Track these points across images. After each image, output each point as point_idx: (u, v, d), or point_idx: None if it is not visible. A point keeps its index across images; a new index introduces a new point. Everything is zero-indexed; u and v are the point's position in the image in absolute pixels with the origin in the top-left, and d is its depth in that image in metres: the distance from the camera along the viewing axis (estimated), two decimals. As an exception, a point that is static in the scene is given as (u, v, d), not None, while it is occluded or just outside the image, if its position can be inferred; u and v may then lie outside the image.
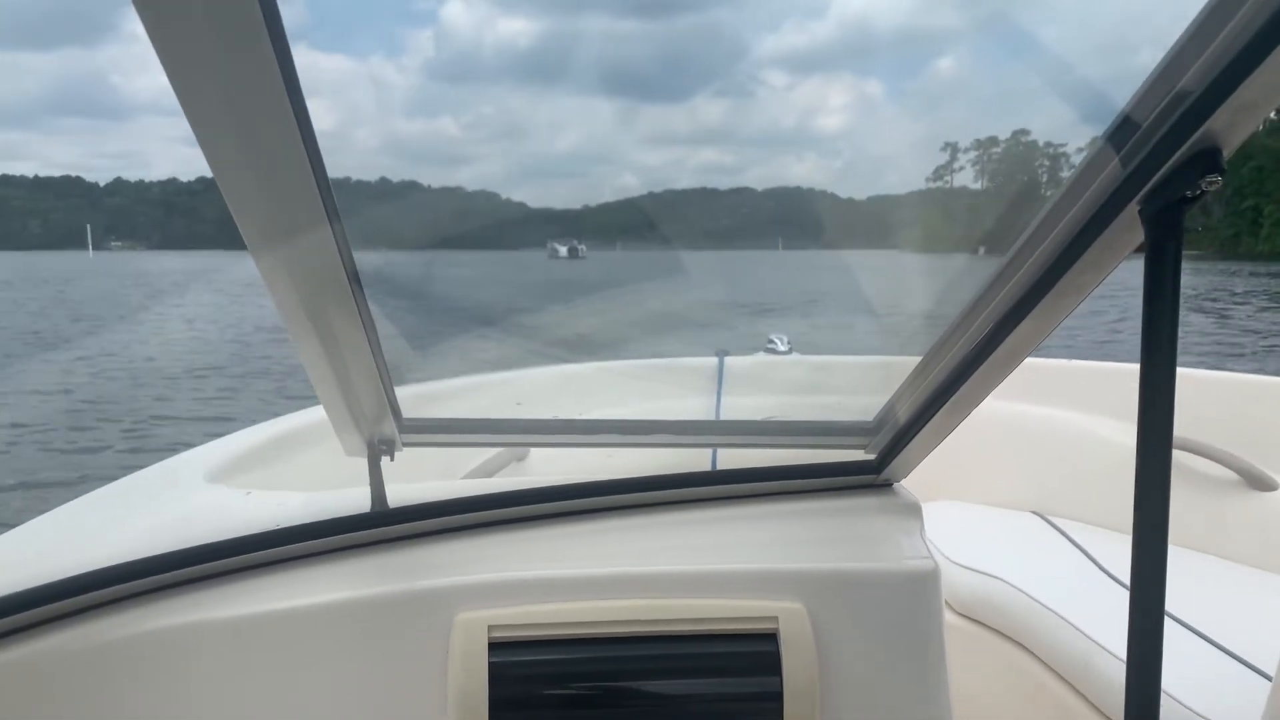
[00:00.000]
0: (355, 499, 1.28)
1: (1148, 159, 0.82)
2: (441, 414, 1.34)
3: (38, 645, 1.14)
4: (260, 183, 0.82)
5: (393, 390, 1.21)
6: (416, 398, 1.34)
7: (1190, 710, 1.55)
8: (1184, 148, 0.79)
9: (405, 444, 1.30)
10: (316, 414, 2.13)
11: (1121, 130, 0.82)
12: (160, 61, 0.68)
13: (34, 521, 1.49)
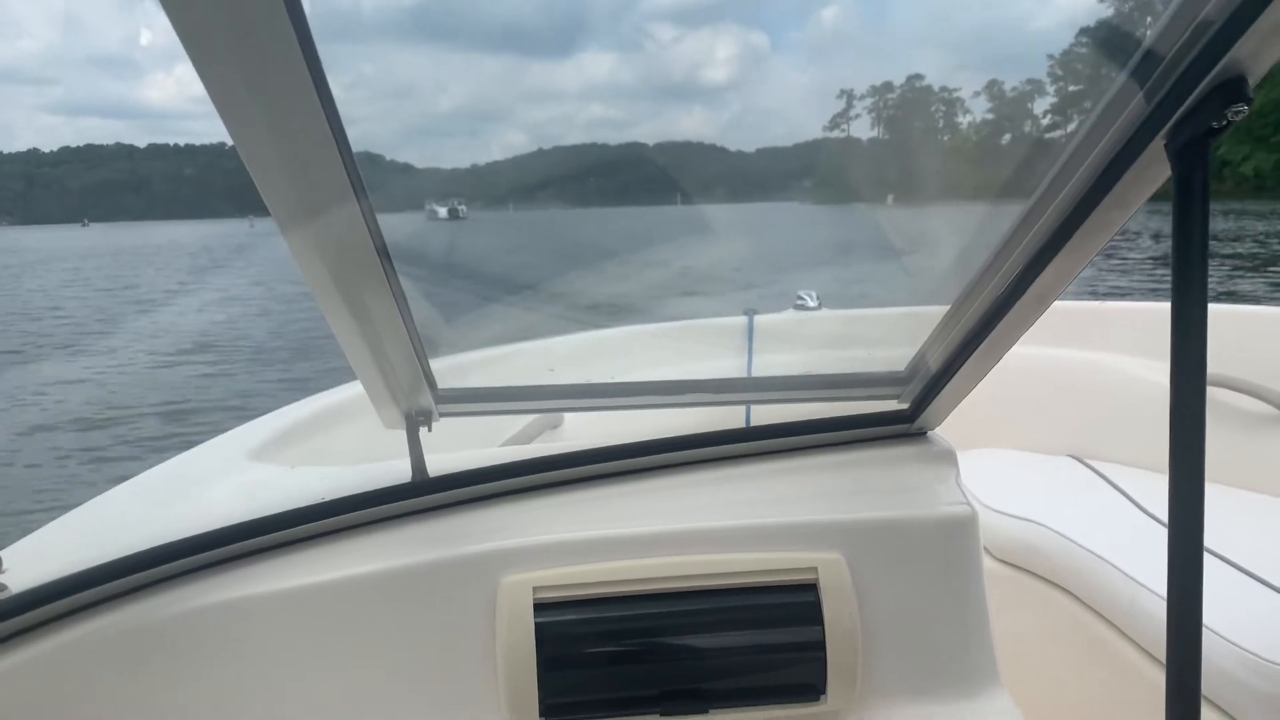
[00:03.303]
0: (396, 470, 1.30)
1: (1172, 91, 0.81)
2: (475, 384, 1.35)
3: (94, 625, 1.16)
4: (285, 158, 0.82)
5: (427, 361, 1.22)
6: (450, 369, 1.35)
7: (1232, 644, 1.58)
8: (1208, 78, 0.78)
9: (442, 414, 1.31)
10: (352, 390, 2.17)
11: (1145, 64, 0.82)
12: (183, 45, 0.69)
13: (86, 505, 1.51)
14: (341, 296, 1.01)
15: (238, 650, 1.21)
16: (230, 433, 1.95)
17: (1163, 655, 1.70)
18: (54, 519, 1.45)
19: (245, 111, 0.76)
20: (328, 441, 2.01)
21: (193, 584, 1.21)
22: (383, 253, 0.99)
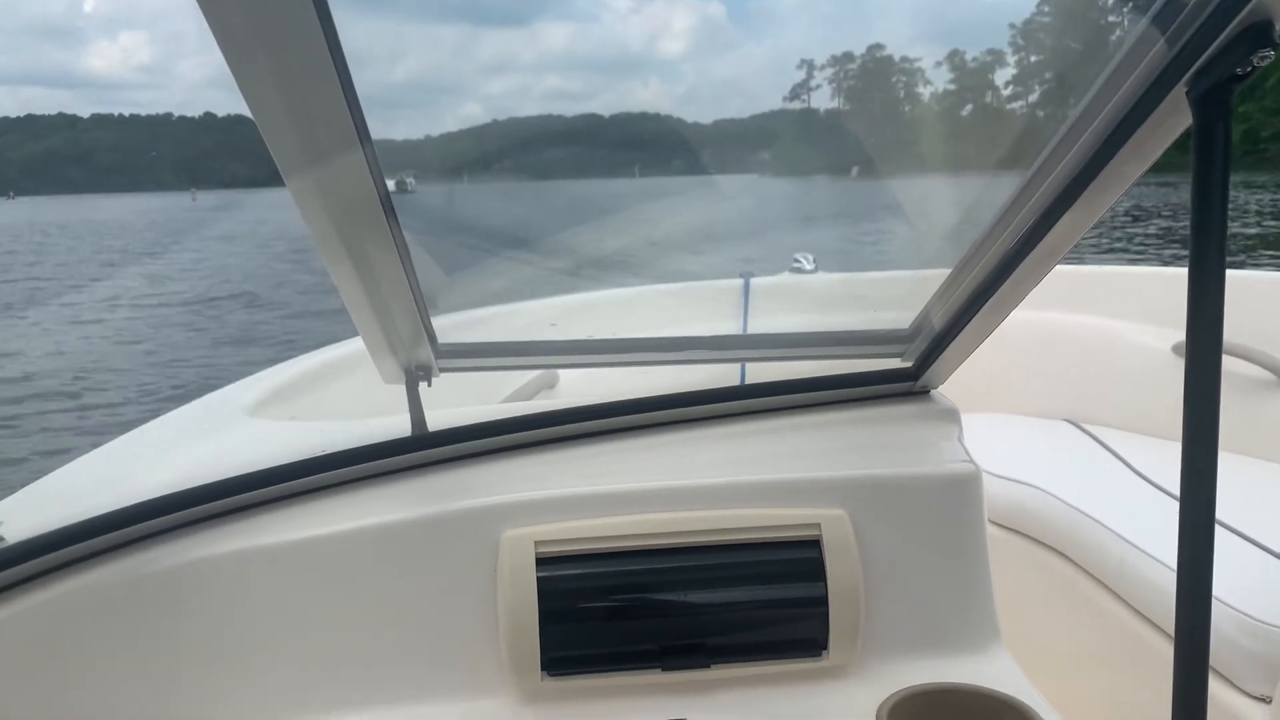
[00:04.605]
0: (395, 425, 1.29)
1: (1195, 36, 0.78)
2: (474, 339, 1.35)
3: (92, 576, 1.15)
4: (291, 102, 0.81)
5: (428, 315, 1.21)
6: (450, 328, 1.34)
7: (1228, 605, 1.59)
8: (1233, 23, 0.75)
9: (442, 369, 1.30)
10: (351, 346, 2.15)
11: (1168, 8, 0.80)
12: None
13: (84, 458, 1.50)
14: (344, 246, 1.00)
15: (236, 603, 1.20)
16: (227, 388, 1.93)
17: (1156, 617, 1.71)
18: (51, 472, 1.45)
19: (250, 54, 0.75)
20: (326, 397, 2.00)
21: (191, 536, 1.20)
22: (385, 203, 0.97)
